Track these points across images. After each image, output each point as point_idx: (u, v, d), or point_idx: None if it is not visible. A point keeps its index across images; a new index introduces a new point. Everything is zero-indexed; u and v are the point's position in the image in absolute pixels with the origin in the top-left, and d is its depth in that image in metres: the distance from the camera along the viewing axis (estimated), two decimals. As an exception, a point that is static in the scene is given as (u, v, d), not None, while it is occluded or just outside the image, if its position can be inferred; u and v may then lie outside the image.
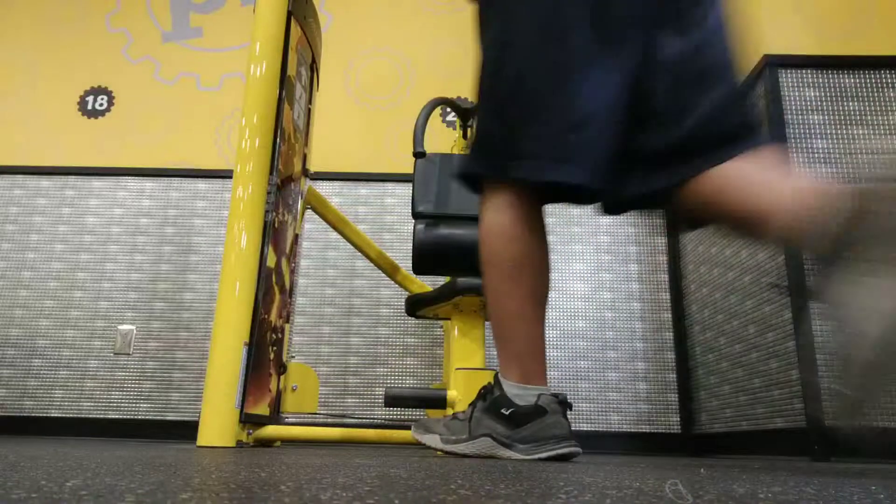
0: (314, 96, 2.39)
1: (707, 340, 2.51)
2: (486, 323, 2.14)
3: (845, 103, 2.03)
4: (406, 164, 2.20)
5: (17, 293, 2.85)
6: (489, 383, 1.27)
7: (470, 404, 1.29)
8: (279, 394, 1.97)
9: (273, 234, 1.84)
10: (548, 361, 1.88)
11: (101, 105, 3.15)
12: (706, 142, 1.06)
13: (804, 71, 2.06)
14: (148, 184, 3.00)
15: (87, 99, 3.16)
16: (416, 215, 2.14)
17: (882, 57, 2.05)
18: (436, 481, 0.62)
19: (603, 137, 1.11)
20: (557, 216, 2.90)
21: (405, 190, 2.90)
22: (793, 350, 1.86)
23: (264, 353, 1.82)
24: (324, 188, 2.92)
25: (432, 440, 1.31)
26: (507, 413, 1.20)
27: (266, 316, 1.83)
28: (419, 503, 0.44)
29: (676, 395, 2.67)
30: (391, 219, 2.92)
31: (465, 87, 3.02)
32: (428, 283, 2.51)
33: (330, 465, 0.86)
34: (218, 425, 1.62)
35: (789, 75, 2.06)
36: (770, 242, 1.61)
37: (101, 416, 2.69)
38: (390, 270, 2.41)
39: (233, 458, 1.03)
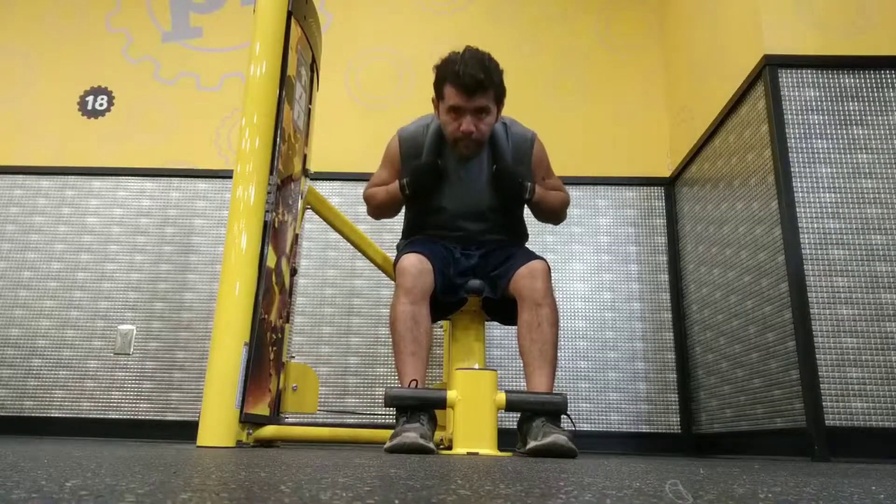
0: (314, 96, 2.39)
1: (707, 340, 2.50)
2: (486, 323, 2.14)
3: (845, 103, 2.03)
4: (406, 164, 2.20)
5: (17, 293, 2.85)
6: None
7: None
8: (279, 394, 1.97)
9: (273, 234, 1.84)
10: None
11: (101, 105, 3.15)
12: None
13: (804, 71, 2.06)
14: (148, 184, 3.00)
15: (87, 99, 3.16)
16: None
17: (882, 57, 2.05)
18: (436, 481, 0.62)
19: None
20: (557, 216, 2.90)
21: (405, 190, 2.89)
22: (793, 350, 1.86)
23: (264, 353, 1.82)
24: (324, 188, 2.92)
25: None
26: None
27: (266, 316, 1.82)
28: (419, 503, 0.44)
29: (676, 395, 2.67)
30: (391, 219, 2.91)
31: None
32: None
33: (330, 465, 0.86)
34: (218, 425, 1.61)
35: (789, 75, 2.06)
36: None
37: (101, 416, 2.69)
38: (390, 270, 2.41)
39: (233, 458, 1.03)
